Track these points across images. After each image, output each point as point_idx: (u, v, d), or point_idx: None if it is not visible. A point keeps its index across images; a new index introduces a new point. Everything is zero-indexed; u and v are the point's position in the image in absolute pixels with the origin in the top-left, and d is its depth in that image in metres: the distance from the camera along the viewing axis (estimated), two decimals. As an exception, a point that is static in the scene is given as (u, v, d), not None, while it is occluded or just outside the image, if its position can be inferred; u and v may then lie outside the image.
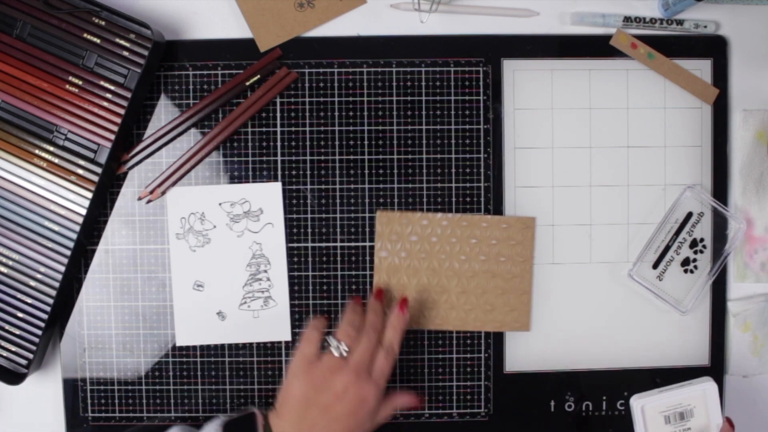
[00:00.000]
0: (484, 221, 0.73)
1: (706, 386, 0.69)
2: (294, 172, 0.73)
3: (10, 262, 0.71)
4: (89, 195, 0.70)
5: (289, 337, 0.73)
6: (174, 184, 0.73)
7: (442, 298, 0.73)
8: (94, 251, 0.73)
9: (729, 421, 0.68)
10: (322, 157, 0.73)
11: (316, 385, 0.64)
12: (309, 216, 0.73)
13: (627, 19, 0.73)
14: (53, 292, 0.71)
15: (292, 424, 0.63)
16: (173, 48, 0.72)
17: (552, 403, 0.75)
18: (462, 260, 0.73)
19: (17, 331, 0.71)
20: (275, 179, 0.73)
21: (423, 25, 0.73)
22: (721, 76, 0.74)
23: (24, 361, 0.71)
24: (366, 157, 0.73)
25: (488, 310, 0.73)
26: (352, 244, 0.73)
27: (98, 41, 0.70)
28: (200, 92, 0.73)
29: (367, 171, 0.73)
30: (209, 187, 0.73)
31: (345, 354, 0.65)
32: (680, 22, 0.73)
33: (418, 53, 0.73)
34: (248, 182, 0.73)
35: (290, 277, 0.73)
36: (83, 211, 0.70)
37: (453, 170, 0.73)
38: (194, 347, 0.74)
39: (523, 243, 0.73)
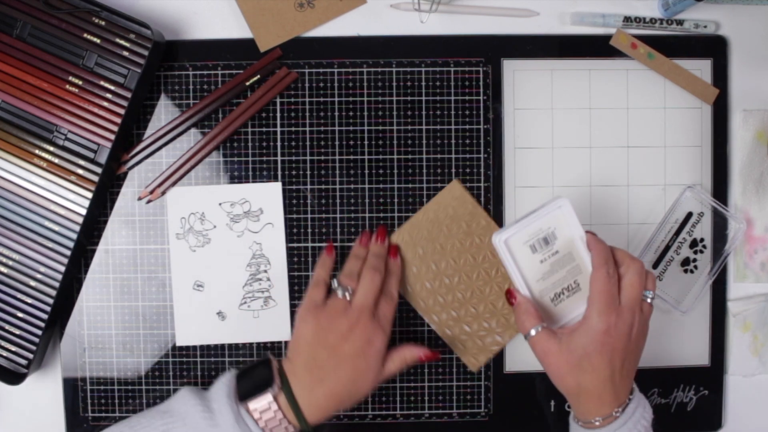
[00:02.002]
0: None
1: (560, 203, 0.64)
2: (294, 172, 0.73)
3: (10, 262, 0.71)
4: (89, 195, 0.70)
5: (289, 337, 0.73)
6: (174, 184, 0.73)
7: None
8: (94, 251, 0.73)
9: (591, 233, 0.64)
10: (322, 157, 0.73)
11: (323, 326, 0.65)
12: (309, 216, 0.73)
13: (627, 19, 0.73)
14: (53, 292, 0.71)
15: (302, 366, 0.64)
16: (173, 48, 0.72)
17: (552, 403, 0.75)
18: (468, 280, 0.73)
19: (17, 331, 0.71)
20: (275, 179, 0.73)
21: (423, 25, 0.73)
22: (721, 76, 0.74)
23: (24, 361, 0.71)
24: (366, 157, 0.73)
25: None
26: (352, 243, 0.73)
27: (98, 41, 0.70)
28: (200, 92, 0.73)
29: (367, 171, 0.73)
30: (209, 187, 0.73)
31: (349, 296, 0.66)
32: (680, 22, 0.73)
33: (418, 53, 0.73)
34: (248, 182, 0.73)
35: (290, 277, 0.73)
36: (83, 211, 0.70)
37: (453, 170, 0.73)
38: (194, 347, 0.74)
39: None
